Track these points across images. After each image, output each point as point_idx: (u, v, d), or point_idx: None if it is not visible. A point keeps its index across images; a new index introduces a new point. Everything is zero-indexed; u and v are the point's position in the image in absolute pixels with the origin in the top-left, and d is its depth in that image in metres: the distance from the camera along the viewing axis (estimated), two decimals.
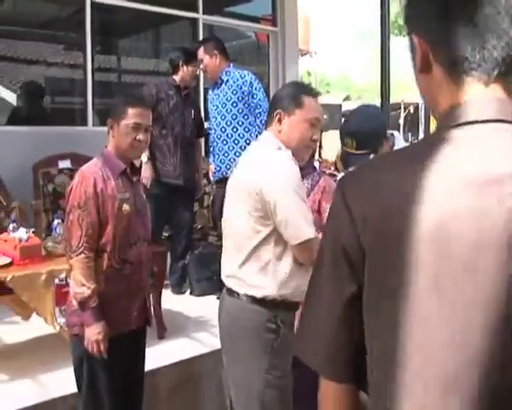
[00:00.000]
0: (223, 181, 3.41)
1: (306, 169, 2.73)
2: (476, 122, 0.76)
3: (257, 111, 4.05)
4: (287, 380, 1.95)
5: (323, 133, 7.29)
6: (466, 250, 0.71)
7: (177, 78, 4.31)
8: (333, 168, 4.96)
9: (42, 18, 5.83)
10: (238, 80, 4.07)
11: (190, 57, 4.30)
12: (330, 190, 2.72)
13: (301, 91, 2.05)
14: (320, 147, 7.23)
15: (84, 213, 2.13)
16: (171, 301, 3.82)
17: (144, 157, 4.25)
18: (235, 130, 4.03)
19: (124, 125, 2.22)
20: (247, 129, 4.05)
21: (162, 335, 3.36)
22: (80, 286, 2.11)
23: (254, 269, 1.91)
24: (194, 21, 6.09)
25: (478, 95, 0.78)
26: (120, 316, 2.23)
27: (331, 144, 10.01)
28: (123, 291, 2.22)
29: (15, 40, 5.52)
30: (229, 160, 3.98)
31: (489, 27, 0.76)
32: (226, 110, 4.02)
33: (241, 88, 4.03)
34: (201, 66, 4.16)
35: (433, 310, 0.71)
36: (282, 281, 1.91)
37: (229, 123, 4.01)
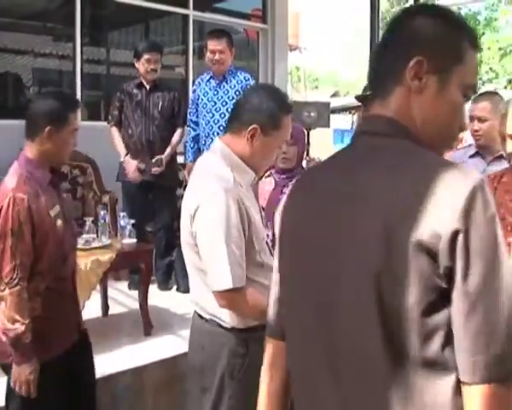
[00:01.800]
0: None
1: (296, 170, 2.76)
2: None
3: None
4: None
5: (311, 131, 7.31)
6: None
7: (139, 74, 4.28)
8: None
9: (31, 9, 5.77)
10: (242, 82, 4.07)
11: (141, 51, 4.20)
12: None
13: (281, 109, 1.77)
14: (308, 144, 7.25)
15: (18, 240, 1.86)
16: (157, 297, 3.84)
17: (121, 156, 4.26)
18: None
19: (67, 131, 2.00)
20: None
21: (148, 332, 3.38)
22: (13, 323, 1.86)
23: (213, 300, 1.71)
24: (185, 17, 6.08)
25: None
26: (60, 336, 2.05)
27: (319, 142, 10.05)
28: (61, 310, 2.04)
29: (2, 31, 5.46)
30: None
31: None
32: (227, 109, 3.97)
33: (243, 90, 4.00)
34: (217, 56, 4.00)
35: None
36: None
37: None
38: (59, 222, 1.99)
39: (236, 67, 4.29)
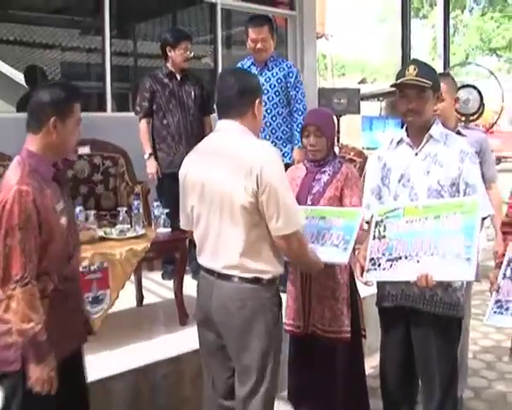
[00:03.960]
0: None
1: (327, 157, 2.72)
2: None
3: (297, 106, 3.98)
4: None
5: (341, 117, 7.23)
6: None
7: (168, 64, 4.28)
8: (352, 154, 4.91)
9: (58, 2, 5.81)
10: (284, 70, 3.99)
11: (176, 40, 4.21)
12: (353, 177, 2.71)
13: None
14: (338, 132, 7.16)
15: (27, 235, 1.76)
16: (192, 287, 3.82)
17: (146, 154, 4.29)
18: (274, 119, 3.97)
19: (72, 122, 1.93)
20: (284, 119, 3.99)
21: (184, 321, 3.39)
22: (28, 322, 1.77)
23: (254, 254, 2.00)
24: (212, 6, 6.04)
25: None
26: (66, 341, 1.96)
27: (348, 129, 9.94)
28: (68, 313, 1.96)
29: (31, 25, 5.51)
30: None
31: None
32: (268, 98, 3.92)
33: (285, 78, 3.95)
34: (259, 45, 3.91)
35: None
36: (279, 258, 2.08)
37: (269, 111, 3.93)
38: (63, 219, 1.91)
39: (278, 55, 4.20)
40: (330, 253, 2.37)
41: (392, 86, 2.34)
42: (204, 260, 2.11)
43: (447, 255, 2.04)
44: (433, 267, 2.05)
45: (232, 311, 2.02)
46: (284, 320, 2.65)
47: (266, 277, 2.02)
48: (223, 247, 2.02)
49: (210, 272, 2.08)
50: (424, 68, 2.26)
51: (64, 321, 1.93)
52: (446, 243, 2.06)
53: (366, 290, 2.75)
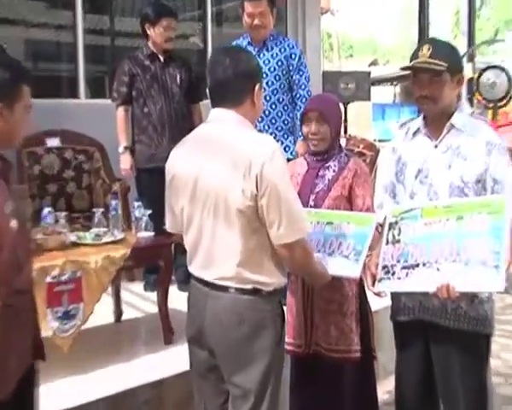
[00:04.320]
0: None
1: (332, 150, 2.72)
2: None
3: (300, 92, 3.99)
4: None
5: (349, 105, 7.24)
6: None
7: (150, 44, 4.29)
8: (362, 146, 4.93)
9: None
10: (286, 50, 3.98)
11: (156, 16, 4.20)
12: (362, 174, 2.71)
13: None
14: (345, 121, 7.18)
15: None
16: (178, 299, 3.84)
17: (120, 146, 4.30)
18: (273, 107, 3.98)
19: (20, 108, 1.88)
20: (285, 107, 4.01)
21: (169, 340, 3.40)
22: None
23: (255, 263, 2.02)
24: None
25: None
26: (16, 366, 1.89)
27: (356, 118, 9.96)
28: (20, 332, 1.90)
29: None
30: None
31: None
32: (267, 83, 3.89)
33: (287, 60, 3.95)
34: (256, 20, 3.88)
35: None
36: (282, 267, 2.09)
37: (268, 98, 3.93)
38: (13, 222, 1.80)
39: (278, 33, 4.18)
40: (339, 265, 2.38)
41: (402, 69, 2.36)
42: (196, 268, 2.11)
43: (472, 262, 2.05)
44: (456, 276, 2.06)
45: (228, 326, 2.02)
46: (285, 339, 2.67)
47: (267, 288, 2.03)
48: (217, 255, 2.03)
49: (202, 282, 2.08)
50: (440, 48, 2.26)
51: (15, 340, 1.86)
52: (471, 248, 2.07)
53: (378, 303, 2.77)
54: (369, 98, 7.65)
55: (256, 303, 2.02)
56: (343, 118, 7.28)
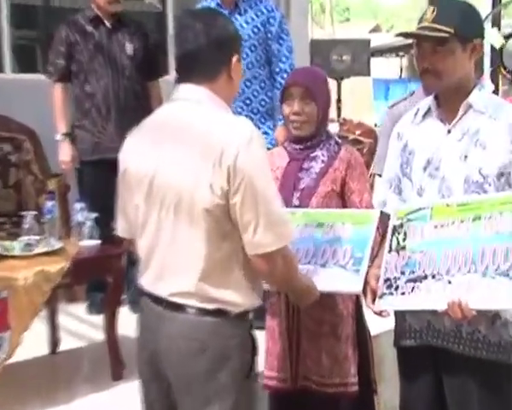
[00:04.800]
0: None
1: (319, 136, 2.75)
2: None
3: (281, 66, 4.01)
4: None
5: (343, 81, 7.28)
6: None
7: (93, 5, 4.29)
8: (358, 132, 4.96)
9: None
10: (263, 14, 4.01)
11: None
12: (358, 165, 2.74)
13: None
14: (338, 101, 7.22)
15: None
16: (130, 324, 3.80)
17: (58, 134, 4.29)
18: (248, 84, 4.01)
19: None
20: (263, 85, 4.05)
21: (118, 375, 3.40)
22: None
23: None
24: None
25: None
26: None
27: (355, 97, 10.01)
28: None
29: None
30: None
31: None
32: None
33: (265, 26, 3.98)
34: None
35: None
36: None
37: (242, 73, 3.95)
38: None
39: None
40: (336, 278, 2.39)
41: (397, 36, 2.37)
42: (148, 280, 2.10)
43: (490, 273, 2.06)
44: (471, 290, 2.07)
45: (187, 354, 2.01)
46: (262, 371, 2.66)
47: (235, 310, 2.03)
48: (176, 264, 2.01)
49: (155, 298, 2.07)
50: (448, 10, 2.26)
51: None
52: (489, 255, 2.08)
53: (379, 325, 2.79)
54: (368, 73, 7.70)
55: (221, 327, 2.01)
56: (335, 97, 7.32)
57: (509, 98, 7.28)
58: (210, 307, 2.00)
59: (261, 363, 2.78)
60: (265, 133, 4.02)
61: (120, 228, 2.24)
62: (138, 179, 2.06)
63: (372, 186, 3.80)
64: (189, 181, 1.94)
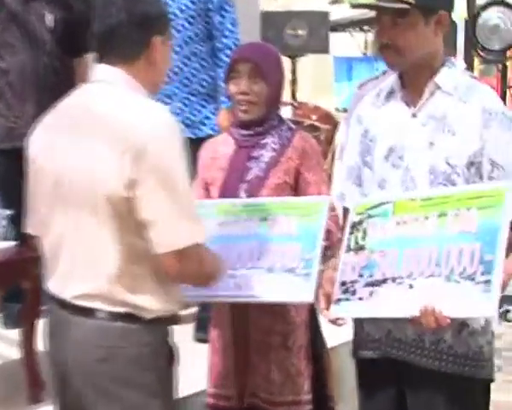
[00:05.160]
0: None
1: (269, 121, 2.76)
2: None
3: (224, 41, 4.04)
4: None
5: (299, 59, 7.31)
6: None
7: None
8: (315, 117, 5.01)
9: None
10: None
11: None
12: (313, 153, 2.77)
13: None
14: (293, 82, 7.25)
15: None
16: None
17: None
18: (186, 62, 4.04)
19: None
20: (203, 63, 4.07)
21: (36, 397, 3.40)
22: None
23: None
24: None
25: None
26: None
27: (313, 78, 10.03)
28: None
29: None
30: (173, 108, 4.00)
31: None
32: (176, 28, 3.94)
33: None
34: None
35: None
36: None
37: (178, 50, 3.98)
38: None
39: None
40: (284, 286, 2.41)
41: (354, 7, 2.40)
42: (55, 284, 2.13)
43: (455, 277, 2.08)
44: (436, 296, 2.08)
45: (93, 364, 2.04)
46: (206, 388, 2.72)
47: (148, 315, 2.06)
48: (82, 264, 2.05)
49: (63, 303, 2.10)
50: None
51: None
52: (454, 256, 2.10)
53: (338, 336, 2.85)
54: (327, 50, 7.72)
55: (131, 334, 2.05)
56: (289, 77, 7.31)
57: (485, 79, 7.38)
58: (121, 310, 2.03)
59: (205, 380, 2.83)
60: (207, 118, 4.05)
61: (30, 226, 2.26)
62: (42, 171, 2.09)
63: (331, 178, 3.84)
64: (95, 174, 1.98)
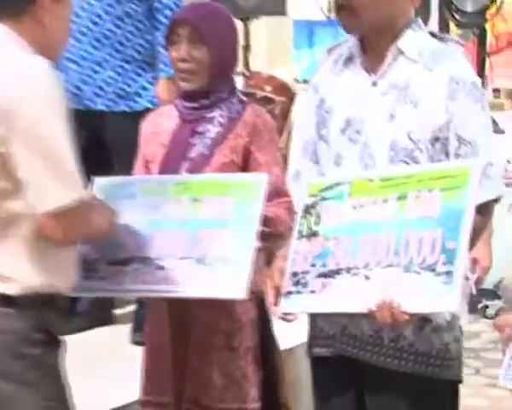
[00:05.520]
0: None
1: (216, 92, 2.77)
2: None
3: (161, 0, 4.06)
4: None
5: (250, 22, 7.27)
6: None
7: None
8: (269, 88, 5.01)
9: None
10: None
11: None
12: (266, 130, 2.79)
13: None
14: (246, 49, 7.24)
15: None
16: None
17: None
18: (118, 25, 4.05)
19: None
20: (139, 25, 4.09)
21: None
22: None
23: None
24: None
25: None
26: None
27: (270, 44, 9.98)
28: None
29: None
30: (104, 77, 4.02)
31: None
32: None
33: None
34: None
35: None
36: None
37: (106, 10, 4.01)
38: None
39: None
40: (216, 279, 2.43)
41: None
42: None
43: (414, 267, 2.10)
44: (394, 289, 2.11)
45: None
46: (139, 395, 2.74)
47: (16, 290, 2.11)
48: None
49: None
50: None
51: None
52: (414, 244, 2.12)
53: (294, 335, 2.90)
54: (285, 12, 7.70)
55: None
56: (240, 42, 7.26)
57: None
58: None
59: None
60: (143, 88, 4.07)
61: None
62: None
63: (287, 158, 3.85)
64: None
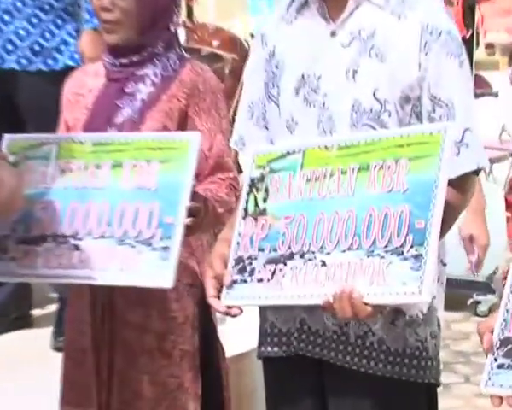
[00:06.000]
0: None
1: (148, 46, 2.76)
2: None
3: None
4: None
5: None
6: None
7: None
8: (216, 43, 5.01)
9: None
10: None
11: None
12: (208, 91, 2.78)
13: None
14: None
15: None
16: None
17: None
18: None
19: None
20: None
21: None
22: None
23: None
24: None
25: None
26: None
27: (225, 2, 10.02)
28: None
29: None
30: (15, 29, 4.06)
31: None
32: None
33: None
34: None
35: None
36: None
37: None
38: None
39: None
40: (137, 262, 2.43)
41: None
42: None
43: (378, 251, 2.10)
44: (355, 276, 2.11)
45: None
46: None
47: None
48: None
49: None
50: None
51: None
52: (375, 224, 2.13)
53: (249, 337, 2.86)
54: None
55: None
56: None
57: None
58: None
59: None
60: (64, 43, 4.04)
61: None
62: None
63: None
64: None
